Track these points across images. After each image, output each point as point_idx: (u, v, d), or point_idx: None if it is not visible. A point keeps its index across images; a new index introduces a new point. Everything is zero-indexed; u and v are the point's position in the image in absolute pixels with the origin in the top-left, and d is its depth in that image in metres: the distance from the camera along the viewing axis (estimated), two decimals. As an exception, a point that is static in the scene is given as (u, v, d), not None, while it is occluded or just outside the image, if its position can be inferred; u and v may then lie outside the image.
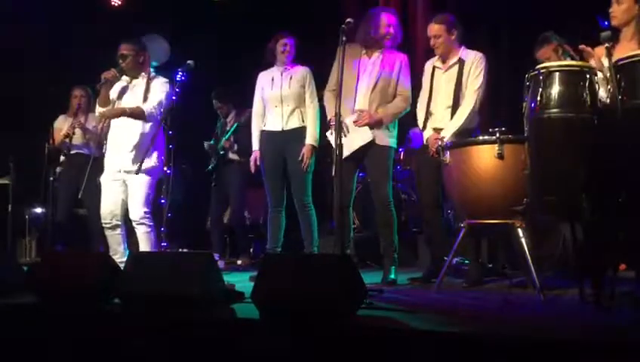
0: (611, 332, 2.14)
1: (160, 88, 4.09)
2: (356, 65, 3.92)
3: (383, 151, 3.90)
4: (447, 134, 3.65)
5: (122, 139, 4.06)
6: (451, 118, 3.72)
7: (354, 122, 3.85)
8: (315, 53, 4.44)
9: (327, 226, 5.16)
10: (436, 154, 3.61)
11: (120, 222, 4.04)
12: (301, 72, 4.30)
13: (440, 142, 3.47)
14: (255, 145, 4.39)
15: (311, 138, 4.19)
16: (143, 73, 4.15)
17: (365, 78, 3.92)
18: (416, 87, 4.00)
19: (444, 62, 3.85)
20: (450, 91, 3.75)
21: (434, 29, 3.79)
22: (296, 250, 4.58)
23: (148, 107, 4.01)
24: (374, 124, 3.85)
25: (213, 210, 5.84)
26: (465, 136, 3.51)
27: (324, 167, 4.69)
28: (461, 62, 3.76)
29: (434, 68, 3.89)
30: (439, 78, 3.85)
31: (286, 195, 4.31)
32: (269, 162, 4.31)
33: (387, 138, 3.93)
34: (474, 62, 3.73)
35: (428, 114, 3.85)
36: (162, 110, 4.03)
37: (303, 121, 4.25)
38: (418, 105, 3.95)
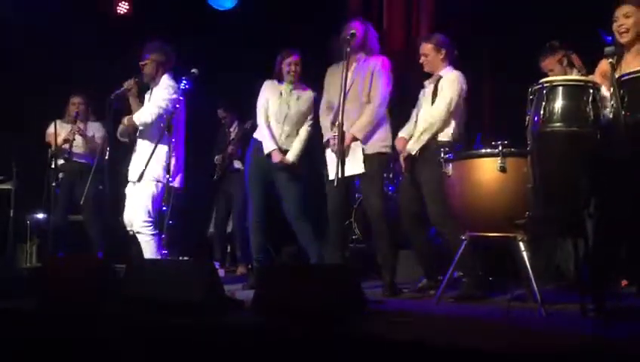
0: (612, 347, 2.14)
1: (157, 95, 4.07)
2: (339, 78, 3.91)
3: (372, 159, 3.87)
4: (411, 143, 3.73)
5: (136, 147, 4.13)
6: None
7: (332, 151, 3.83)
8: (317, 60, 4.44)
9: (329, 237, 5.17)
10: (405, 158, 3.75)
11: (137, 229, 4.04)
12: (308, 95, 4.32)
13: (443, 154, 3.46)
14: (271, 144, 4.24)
15: (292, 154, 4.21)
16: (157, 79, 4.16)
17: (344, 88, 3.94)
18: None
19: (430, 79, 3.90)
20: (428, 107, 3.79)
21: (424, 48, 3.87)
22: (295, 260, 4.58)
23: (138, 115, 4.02)
24: (349, 144, 3.81)
25: (217, 219, 5.86)
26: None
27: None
28: (439, 78, 3.81)
29: (423, 86, 3.96)
30: (423, 95, 3.91)
31: (267, 210, 4.29)
32: (256, 173, 4.29)
33: (376, 144, 3.89)
34: (448, 80, 3.77)
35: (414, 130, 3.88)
36: (159, 114, 4.00)
37: None
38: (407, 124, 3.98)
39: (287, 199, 4.21)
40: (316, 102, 4.29)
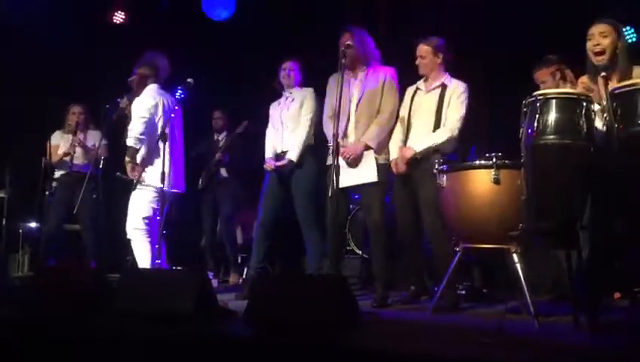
0: (604, 359, 2.13)
1: (136, 107, 4.06)
2: (346, 87, 3.90)
3: (382, 169, 3.86)
4: (418, 148, 3.66)
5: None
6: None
7: (344, 159, 3.81)
8: (317, 73, 4.46)
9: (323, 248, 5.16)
10: (404, 168, 3.66)
11: (129, 235, 4.04)
12: (302, 92, 4.33)
13: (437, 165, 3.46)
14: (266, 153, 4.37)
15: (290, 153, 4.21)
16: (139, 92, 4.17)
17: (353, 98, 3.93)
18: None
19: (427, 84, 3.87)
20: (432, 114, 3.75)
21: (422, 49, 3.84)
22: (290, 270, 4.57)
23: (129, 140, 4.01)
24: (361, 153, 3.82)
25: (206, 228, 5.84)
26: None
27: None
28: (444, 86, 3.78)
29: (416, 89, 3.91)
30: (420, 99, 3.86)
31: (277, 218, 4.28)
32: (272, 185, 4.31)
33: (386, 155, 3.88)
34: (456, 90, 3.74)
35: (406, 135, 3.84)
36: (144, 123, 3.98)
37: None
38: (395, 127, 3.92)
39: (299, 205, 4.22)
40: (316, 97, 4.29)
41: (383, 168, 3.87)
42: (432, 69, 3.83)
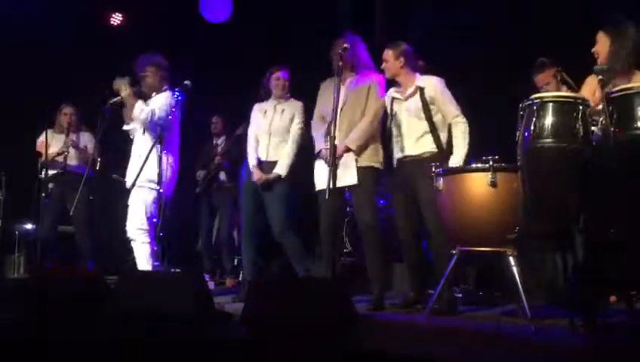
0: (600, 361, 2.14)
1: (156, 102, 4.09)
2: (334, 93, 3.93)
3: (365, 172, 3.86)
4: (457, 162, 3.58)
5: (132, 157, 4.15)
6: (434, 143, 3.70)
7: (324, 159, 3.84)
8: (312, 77, 4.47)
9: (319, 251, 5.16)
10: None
11: (130, 236, 4.04)
12: (293, 105, 4.34)
13: (433, 168, 3.46)
14: (252, 160, 4.31)
15: (280, 168, 4.22)
16: (161, 90, 4.18)
17: (340, 102, 3.88)
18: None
19: (402, 91, 3.86)
20: (421, 119, 3.74)
21: (385, 53, 3.86)
22: (286, 273, 4.56)
23: (139, 106, 4.03)
24: (341, 155, 3.82)
25: (204, 231, 5.84)
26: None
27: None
28: (420, 89, 3.77)
29: (392, 99, 3.89)
30: (400, 108, 3.85)
31: (259, 223, 4.30)
32: (246, 189, 4.34)
33: (369, 158, 3.88)
34: (436, 88, 3.74)
35: (392, 143, 3.86)
36: (153, 119, 4.01)
37: None
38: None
39: (271, 215, 4.22)
40: (306, 110, 4.31)
41: (368, 171, 3.86)
42: (396, 74, 3.84)
